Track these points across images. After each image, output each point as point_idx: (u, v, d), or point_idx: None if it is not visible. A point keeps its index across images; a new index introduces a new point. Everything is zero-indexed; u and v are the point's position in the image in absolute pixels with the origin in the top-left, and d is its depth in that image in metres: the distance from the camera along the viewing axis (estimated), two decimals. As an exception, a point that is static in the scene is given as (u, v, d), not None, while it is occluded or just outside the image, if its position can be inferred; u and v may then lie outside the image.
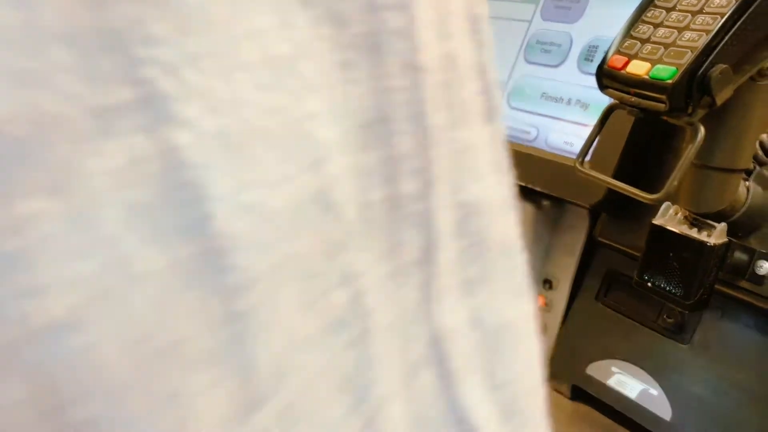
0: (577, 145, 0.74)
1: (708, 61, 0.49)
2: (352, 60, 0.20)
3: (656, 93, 0.50)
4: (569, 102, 0.77)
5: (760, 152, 0.61)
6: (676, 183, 0.52)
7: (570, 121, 0.76)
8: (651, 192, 0.55)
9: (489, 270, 0.25)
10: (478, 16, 0.26)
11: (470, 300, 0.24)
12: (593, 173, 0.59)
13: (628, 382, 0.73)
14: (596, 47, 0.75)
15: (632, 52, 0.53)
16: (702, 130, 0.51)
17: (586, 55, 0.76)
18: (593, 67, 0.74)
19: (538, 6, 0.83)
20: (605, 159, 0.70)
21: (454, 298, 0.23)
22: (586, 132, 0.74)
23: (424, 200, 0.22)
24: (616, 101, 0.55)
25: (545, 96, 0.79)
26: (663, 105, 0.50)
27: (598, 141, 0.70)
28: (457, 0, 0.24)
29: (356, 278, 0.20)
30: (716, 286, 0.61)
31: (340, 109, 0.20)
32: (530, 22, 0.83)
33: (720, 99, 0.49)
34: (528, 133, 0.80)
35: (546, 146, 0.78)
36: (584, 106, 0.75)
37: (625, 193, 0.56)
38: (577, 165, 0.59)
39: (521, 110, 0.81)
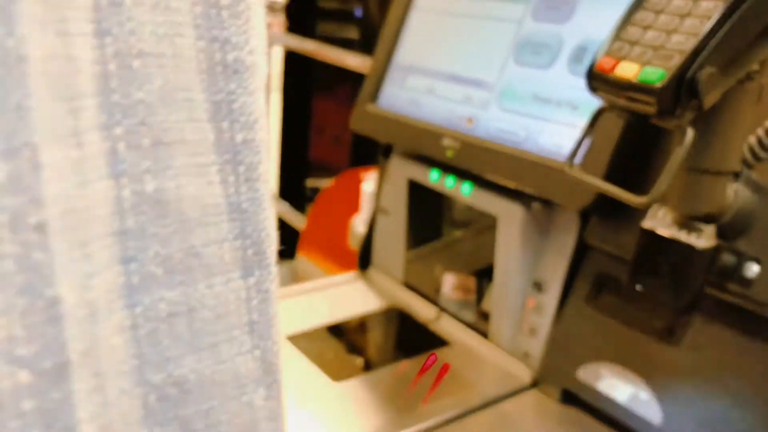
0: (567, 147, 0.74)
1: (696, 64, 0.48)
2: None
3: (645, 96, 0.50)
4: (559, 103, 0.76)
5: (748, 155, 0.61)
6: (664, 187, 0.51)
7: (560, 122, 0.76)
8: (641, 194, 0.55)
9: None
10: (243, 146, 0.22)
11: None
12: (583, 176, 0.58)
13: (619, 385, 0.73)
14: (586, 48, 0.75)
15: (621, 55, 0.53)
16: (690, 132, 0.51)
17: (576, 57, 0.76)
18: (583, 69, 0.75)
19: (529, 6, 0.82)
20: (595, 161, 0.70)
21: None
22: (576, 134, 0.74)
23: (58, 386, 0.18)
24: (606, 103, 0.55)
25: (535, 97, 0.79)
26: (652, 108, 0.50)
27: (588, 143, 0.70)
28: (204, 129, 0.20)
29: None
30: (705, 289, 0.61)
31: None
32: (520, 22, 0.83)
33: (708, 102, 0.49)
34: (518, 134, 0.79)
35: (536, 148, 0.77)
36: (574, 107, 0.75)
37: (614, 196, 0.56)
38: (567, 167, 0.59)
39: (511, 111, 0.81)
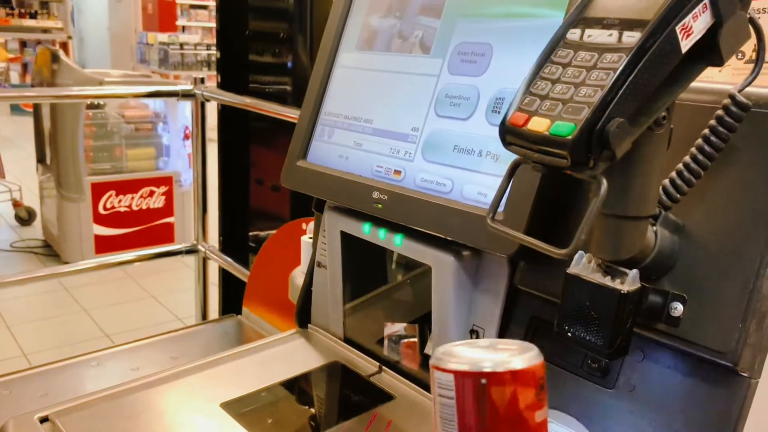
0: (491, 196, 0.75)
1: (605, 116, 0.49)
2: None
3: (557, 149, 0.51)
4: (480, 154, 0.77)
5: (664, 197, 0.62)
6: (583, 237, 0.52)
7: (483, 172, 0.77)
8: (562, 244, 0.55)
9: None
10: None
11: None
12: (504, 229, 0.59)
13: (559, 430, 0.72)
14: (502, 99, 0.76)
15: (532, 109, 0.53)
16: (605, 182, 0.52)
17: (494, 107, 0.77)
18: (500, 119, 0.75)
19: (445, 60, 0.83)
20: (518, 210, 0.70)
21: None
22: (499, 183, 0.74)
23: None
24: (520, 157, 0.56)
25: (457, 149, 0.79)
26: (565, 160, 0.51)
27: (511, 193, 0.71)
28: None
29: None
30: (635, 329, 0.61)
31: None
32: (438, 76, 0.84)
33: (620, 152, 0.50)
34: (444, 185, 0.80)
35: (461, 198, 0.78)
36: (495, 157, 0.76)
37: (535, 248, 0.56)
38: (489, 220, 0.59)
39: (435, 163, 0.82)
